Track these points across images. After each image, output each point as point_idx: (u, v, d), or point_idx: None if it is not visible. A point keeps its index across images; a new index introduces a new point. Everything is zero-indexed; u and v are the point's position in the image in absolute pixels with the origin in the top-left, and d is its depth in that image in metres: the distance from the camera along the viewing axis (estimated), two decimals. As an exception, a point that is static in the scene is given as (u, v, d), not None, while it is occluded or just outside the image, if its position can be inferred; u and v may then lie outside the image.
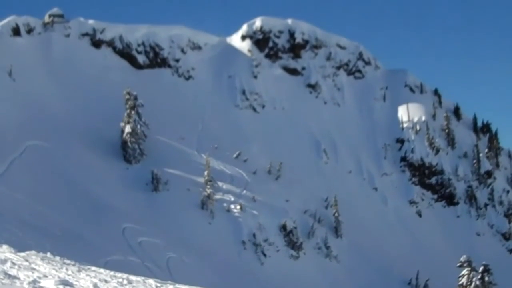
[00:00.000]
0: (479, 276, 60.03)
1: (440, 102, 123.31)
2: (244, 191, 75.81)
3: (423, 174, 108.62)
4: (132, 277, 24.30)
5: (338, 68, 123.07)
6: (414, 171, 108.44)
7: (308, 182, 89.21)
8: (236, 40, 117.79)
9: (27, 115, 68.80)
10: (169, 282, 25.42)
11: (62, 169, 60.89)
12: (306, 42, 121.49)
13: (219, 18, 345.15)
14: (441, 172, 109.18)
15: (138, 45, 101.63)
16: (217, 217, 68.44)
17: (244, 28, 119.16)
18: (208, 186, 69.86)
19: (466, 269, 60.61)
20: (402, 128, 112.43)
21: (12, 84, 74.51)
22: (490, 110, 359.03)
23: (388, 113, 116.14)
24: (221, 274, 57.15)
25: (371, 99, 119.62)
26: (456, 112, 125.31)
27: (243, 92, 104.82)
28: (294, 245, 73.25)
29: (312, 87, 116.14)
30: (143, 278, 24.87)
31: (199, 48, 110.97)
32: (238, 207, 71.25)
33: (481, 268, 60.52)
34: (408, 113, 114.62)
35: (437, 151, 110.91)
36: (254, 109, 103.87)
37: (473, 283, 60.05)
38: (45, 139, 64.95)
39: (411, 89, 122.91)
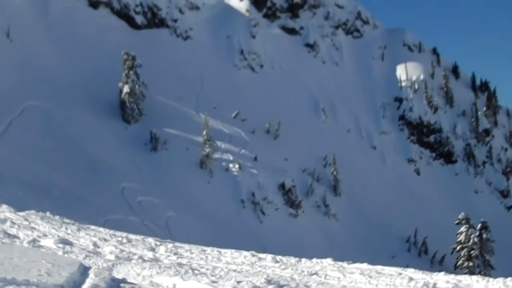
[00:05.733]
0: (477, 233, 60.69)
1: (438, 61, 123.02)
2: (243, 150, 75.98)
3: (422, 133, 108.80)
4: (132, 236, 24.55)
5: (337, 27, 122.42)
6: (413, 129, 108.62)
7: (306, 141, 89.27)
8: (234, 0, 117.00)
9: (25, 76, 68.51)
10: (168, 240, 25.67)
11: (61, 129, 60.84)
12: (304, 1, 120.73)
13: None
14: (440, 130, 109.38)
15: (136, 6, 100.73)
16: (216, 176, 68.71)
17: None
18: (207, 146, 69.99)
19: (464, 227, 61.23)
20: (401, 87, 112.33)
21: (10, 45, 74.13)
22: (488, 68, 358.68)
23: (387, 72, 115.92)
24: (220, 232, 57.49)
25: (369, 58, 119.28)
26: (455, 70, 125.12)
27: (242, 52, 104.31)
28: (293, 203, 73.59)
29: (311, 46, 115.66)
30: (142, 236, 25.12)
31: (197, 8, 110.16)
32: (237, 166, 71.44)
33: (479, 225, 61.16)
34: (407, 72, 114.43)
35: (436, 110, 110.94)
36: (253, 69, 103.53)
37: (471, 240, 60.68)
38: (44, 99, 64.75)
39: (410, 48, 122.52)
